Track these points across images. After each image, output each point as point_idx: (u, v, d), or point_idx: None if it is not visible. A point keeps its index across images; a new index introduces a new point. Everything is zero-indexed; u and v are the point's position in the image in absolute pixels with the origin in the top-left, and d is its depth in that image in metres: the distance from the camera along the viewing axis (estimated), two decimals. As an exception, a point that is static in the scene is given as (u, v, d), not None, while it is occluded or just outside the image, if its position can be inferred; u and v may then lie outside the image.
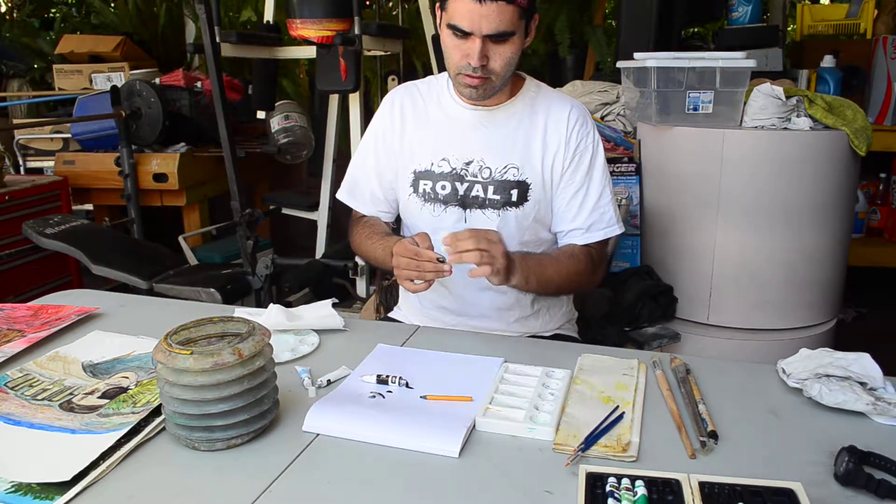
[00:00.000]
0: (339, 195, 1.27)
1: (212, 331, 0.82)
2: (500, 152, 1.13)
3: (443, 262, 0.96)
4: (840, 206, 1.72)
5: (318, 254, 2.77)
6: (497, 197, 1.13)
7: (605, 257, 1.23)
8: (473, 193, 1.14)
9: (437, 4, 1.06)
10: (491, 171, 1.13)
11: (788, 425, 0.81)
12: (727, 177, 1.68)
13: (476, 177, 1.14)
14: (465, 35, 1.02)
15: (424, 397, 0.86)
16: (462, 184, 1.14)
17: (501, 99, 1.14)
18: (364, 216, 1.25)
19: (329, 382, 0.92)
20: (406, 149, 1.19)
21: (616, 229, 1.17)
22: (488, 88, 1.07)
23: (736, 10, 2.59)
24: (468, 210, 1.15)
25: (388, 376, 0.90)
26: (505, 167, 1.13)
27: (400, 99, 1.20)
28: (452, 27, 1.03)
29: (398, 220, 1.29)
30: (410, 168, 1.18)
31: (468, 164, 1.14)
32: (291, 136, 2.80)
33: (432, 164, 1.16)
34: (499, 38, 1.02)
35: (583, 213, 1.15)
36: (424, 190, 1.16)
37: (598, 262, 1.17)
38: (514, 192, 1.13)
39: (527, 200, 1.13)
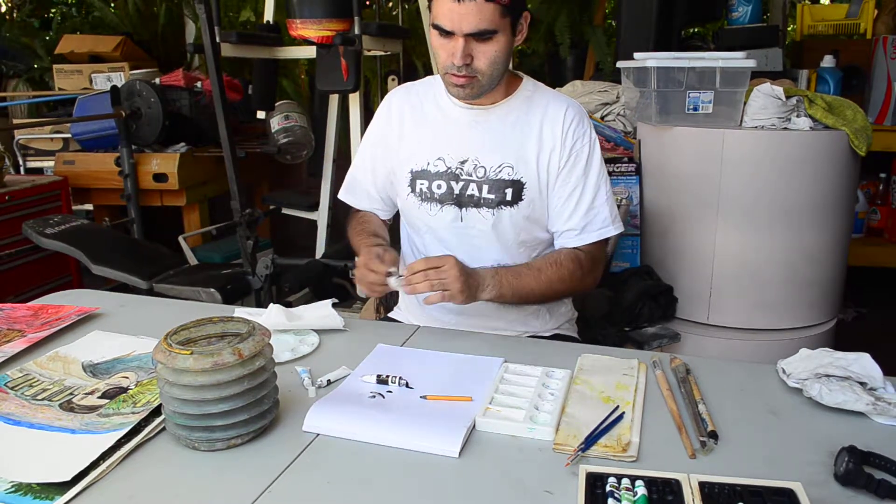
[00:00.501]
0: (340, 194, 1.29)
1: (212, 331, 0.82)
2: (494, 151, 1.13)
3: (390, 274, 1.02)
4: (840, 206, 1.72)
5: (318, 254, 2.77)
6: (491, 196, 1.13)
7: (602, 259, 1.22)
8: (469, 192, 1.14)
9: (427, 5, 1.07)
10: (485, 170, 1.13)
11: (788, 425, 0.81)
12: (727, 177, 1.68)
13: (471, 176, 1.14)
14: (448, 35, 1.03)
15: (424, 397, 0.86)
16: (457, 183, 1.14)
17: (496, 98, 1.14)
18: (360, 211, 1.27)
19: (329, 382, 0.92)
20: (404, 149, 1.19)
21: (611, 230, 1.16)
22: (475, 87, 1.07)
23: (736, 10, 2.59)
24: (464, 209, 1.15)
25: (388, 376, 0.90)
26: (499, 166, 1.13)
27: (398, 99, 1.21)
28: (436, 27, 1.04)
29: (397, 216, 1.29)
30: (407, 167, 1.18)
31: (463, 163, 1.14)
32: (291, 136, 2.80)
33: (428, 164, 1.16)
34: (481, 36, 1.02)
35: (577, 214, 1.14)
36: (421, 189, 1.17)
37: (589, 266, 1.15)
38: (509, 192, 1.13)
39: (521, 199, 1.13)
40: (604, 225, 1.15)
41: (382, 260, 1.04)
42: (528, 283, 1.09)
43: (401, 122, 1.19)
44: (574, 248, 1.15)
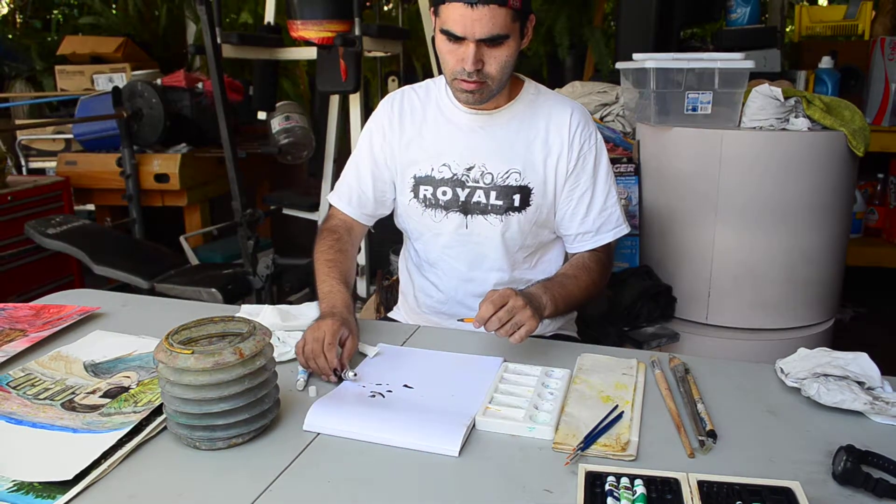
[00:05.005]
0: (330, 197, 1.24)
1: (213, 330, 0.83)
2: (501, 157, 1.12)
3: (339, 375, 0.91)
4: (838, 207, 1.72)
5: (319, 254, 2.76)
6: (499, 202, 1.12)
7: (613, 257, 1.23)
8: (475, 199, 1.13)
9: (432, 10, 1.05)
10: (493, 177, 1.12)
11: (787, 425, 0.82)
12: (726, 177, 1.68)
13: (478, 182, 1.13)
14: (458, 40, 1.01)
15: (462, 320, 0.94)
16: (463, 189, 1.13)
17: (500, 102, 1.13)
18: (336, 232, 1.18)
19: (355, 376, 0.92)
20: (404, 153, 1.17)
21: (624, 229, 1.17)
22: (485, 93, 1.06)
23: (734, 11, 2.59)
24: (469, 216, 1.14)
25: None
26: (507, 172, 1.12)
27: (399, 102, 1.18)
28: (446, 32, 1.01)
29: (377, 224, 1.26)
30: (410, 173, 1.16)
31: (469, 169, 1.13)
32: (292, 136, 2.80)
33: (432, 170, 1.14)
34: (493, 41, 1.00)
35: (590, 216, 1.15)
36: (425, 195, 1.15)
37: (608, 265, 1.17)
38: (517, 198, 1.12)
39: (529, 205, 1.13)
40: (617, 224, 1.16)
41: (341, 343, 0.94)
42: (572, 292, 1.08)
43: (401, 126, 1.17)
44: (591, 250, 1.16)
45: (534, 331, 0.95)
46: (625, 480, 0.68)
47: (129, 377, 0.92)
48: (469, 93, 1.05)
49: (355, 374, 0.92)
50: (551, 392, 0.87)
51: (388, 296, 1.74)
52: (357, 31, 2.20)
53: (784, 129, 1.68)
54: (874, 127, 2.55)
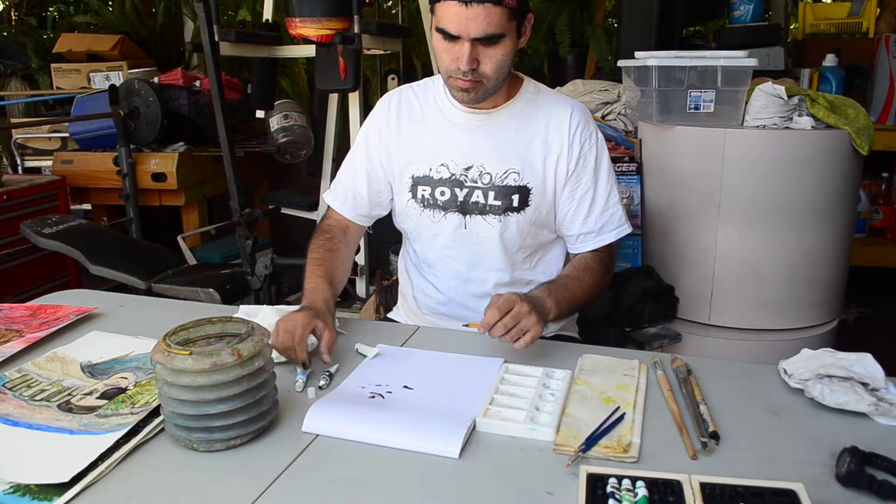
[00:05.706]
0: (326, 196, 1.23)
1: (211, 331, 0.82)
2: (500, 157, 1.11)
3: (307, 366, 0.93)
4: (842, 206, 1.71)
5: (318, 253, 2.75)
6: (498, 203, 1.11)
7: (615, 257, 1.23)
8: (473, 199, 1.12)
9: (429, 8, 1.04)
10: (491, 177, 1.11)
11: (790, 426, 0.81)
12: (729, 176, 1.68)
13: (476, 182, 1.12)
14: (453, 38, 1.00)
15: (467, 325, 0.97)
16: (461, 189, 1.12)
17: (499, 101, 1.12)
18: (329, 232, 1.18)
19: (330, 375, 0.91)
20: (402, 153, 1.16)
21: (626, 229, 1.16)
22: (480, 92, 1.05)
23: (737, 8, 2.59)
24: (468, 216, 1.13)
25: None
26: (505, 172, 1.11)
27: (396, 102, 1.18)
28: (441, 31, 1.00)
29: (376, 225, 1.26)
30: (408, 173, 1.15)
31: (467, 169, 1.12)
32: (291, 135, 2.79)
33: (430, 170, 1.13)
34: (488, 40, 0.99)
35: (592, 216, 1.14)
36: (423, 196, 1.14)
37: (609, 265, 1.17)
38: (516, 198, 1.11)
39: (528, 205, 1.12)
40: (619, 224, 1.16)
41: (315, 332, 0.96)
42: (576, 294, 1.08)
43: (398, 126, 1.16)
44: (593, 250, 1.15)
45: (539, 336, 0.94)
46: (626, 482, 0.68)
47: (126, 378, 0.92)
48: (464, 91, 1.05)
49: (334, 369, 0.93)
50: (552, 393, 0.86)
51: (387, 296, 1.73)
52: (356, 29, 2.19)
53: (787, 128, 1.68)
54: (879, 125, 2.55)
